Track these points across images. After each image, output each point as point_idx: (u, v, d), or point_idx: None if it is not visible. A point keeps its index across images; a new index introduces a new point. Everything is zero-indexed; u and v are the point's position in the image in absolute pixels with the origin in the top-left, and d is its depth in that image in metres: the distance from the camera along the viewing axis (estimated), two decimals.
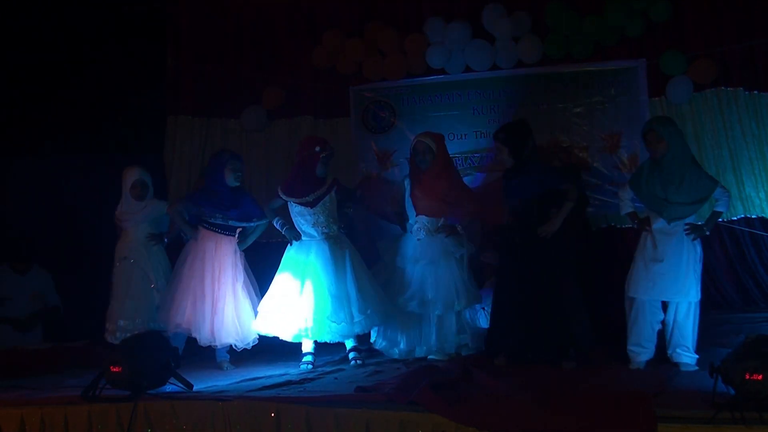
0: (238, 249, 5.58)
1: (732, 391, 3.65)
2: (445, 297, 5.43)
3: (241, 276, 5.57)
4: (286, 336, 5.36)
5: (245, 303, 5.54)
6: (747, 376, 3.57)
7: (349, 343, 5.48)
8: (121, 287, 5.92)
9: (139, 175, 5.98)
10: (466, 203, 5.57)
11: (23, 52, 7.88)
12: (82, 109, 7.91)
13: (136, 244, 5.96)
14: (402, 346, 5.56)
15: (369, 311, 5.32)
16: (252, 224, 5.62)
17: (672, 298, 4.70)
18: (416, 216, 5.60)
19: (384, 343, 5.61)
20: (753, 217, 6.95)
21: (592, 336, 5.07)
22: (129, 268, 5.93)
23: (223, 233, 5.58)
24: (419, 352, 5.48)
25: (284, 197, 5.47)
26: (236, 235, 5.59)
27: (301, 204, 5.42)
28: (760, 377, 3.54)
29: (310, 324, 5.26)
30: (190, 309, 5.44)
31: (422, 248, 5.54)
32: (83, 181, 7.82)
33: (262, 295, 5.54)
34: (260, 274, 5.78)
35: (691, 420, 3.60)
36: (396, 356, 5.54)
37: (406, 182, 5.71)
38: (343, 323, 5.26)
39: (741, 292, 6.92)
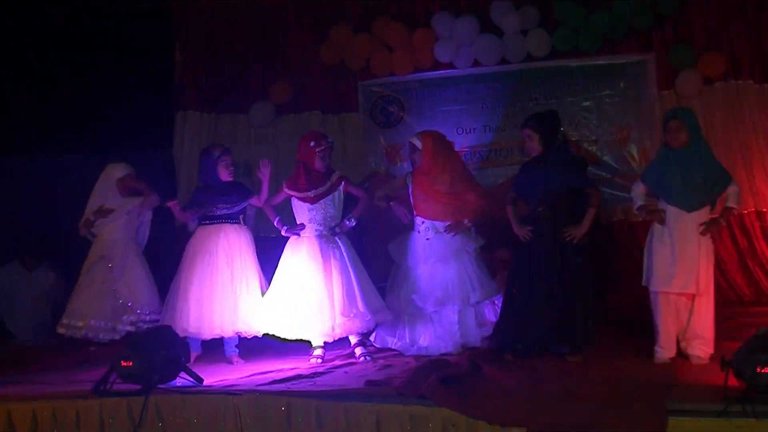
0: (246, 235, 5.52)
1: (743, 384, 3.64)
2: (461, 293, 5.40)
3: (247, 264, 5.49)
4: (288, 336, 5.37)
5: (249, 290, 5.45)
6: (758, 369, 3.57)
7: (354, 338, 5.47)
8: (84, 281, 5.96)
9: (130, 170, 6.11)
10: (469, 202, 5.51)
11: (30, 49, 7.90)
12: (90, 106, 7.92)
13: (109, 238, 6.00)
14: (418, 344, 5.48)
15: (352, 314, 5.27)
16: (251, 199, 5.60)
17: (693, 291, 4.64)
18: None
19: (400, 342, 5.58)
20: (764, 210, 6.93)
21: (597, 332, 5.03)
22: (96, 263, 5.95)
23: (224, 222, 5.50)
24: (438, 349, 5.39)
25: (287, 191, 5.47)
26: (241, 222, 5.56)
27: (301, 199, 5.42)
28: None
29: (301, 324, 5.26)
30: (192, 309, 5.36)
31: (431, 247, 5.49)
32: (90, 179, 7.82)
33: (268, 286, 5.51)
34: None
35: (701, 413, 3.60)
36: (414, 353, 5.41)
37: (408, 178, 5.64)
38: (328, 323, 5.23)
39: (752, 285, 6.90)
